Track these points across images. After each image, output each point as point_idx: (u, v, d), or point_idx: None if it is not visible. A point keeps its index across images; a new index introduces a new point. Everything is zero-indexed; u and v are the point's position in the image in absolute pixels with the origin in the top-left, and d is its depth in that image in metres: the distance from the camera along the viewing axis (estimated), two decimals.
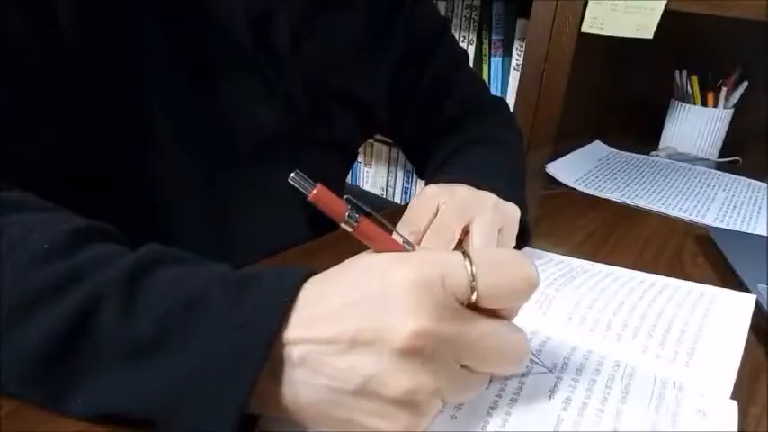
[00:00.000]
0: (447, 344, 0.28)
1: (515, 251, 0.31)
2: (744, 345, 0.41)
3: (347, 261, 0.31)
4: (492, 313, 0.30)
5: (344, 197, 0.32)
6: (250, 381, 0.27)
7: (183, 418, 0.28)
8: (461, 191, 0.47)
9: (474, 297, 0.28)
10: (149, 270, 0.30)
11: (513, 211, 0.48)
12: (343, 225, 0.31)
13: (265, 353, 0.27)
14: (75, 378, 0.29)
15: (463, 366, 0.29)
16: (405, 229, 0.45)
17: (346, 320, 0.28)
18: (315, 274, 0.31)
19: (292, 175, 0.30)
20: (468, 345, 0.29)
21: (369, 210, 0.32)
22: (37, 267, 0.30)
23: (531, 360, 0.36)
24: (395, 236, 0.33)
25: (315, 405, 0.28)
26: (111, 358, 0.29)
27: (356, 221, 0.31)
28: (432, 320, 0.27)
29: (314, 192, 0.30)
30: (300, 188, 0.30)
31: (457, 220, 0.44)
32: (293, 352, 0.28)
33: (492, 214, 0.45)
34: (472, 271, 0.28)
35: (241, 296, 0.29)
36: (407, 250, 0.32)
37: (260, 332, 0.28)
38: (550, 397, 0.35)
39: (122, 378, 0.29)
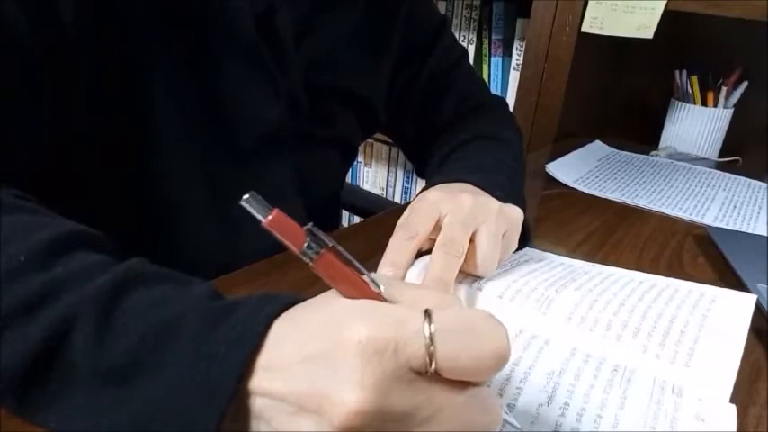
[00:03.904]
0: (398, 420, 0.25)
1: (487, 312, 0.27)
2: (743, 345, 0.40)
3: (323, 296, 0.30)
4: (461, 384, 0.26)
5: (306, 227, 0.28)
6: (218, 413, 0.26)
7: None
8: (465, 199, 0.46)
9: (433, 367, 0.25)
10: (127, 290, 0.29)
11: (516, 215, 0.48)
12: (302, 257, 0.28)
13: (235, 386, 0.26)
14: (47, 399, 0.28)
15: None
16: (405, 231, 0.45)
17: (298, 380, 0.26)
18: (297, 302, 0.29)
19: (246, 196, 0.27)
20: (425, 420, 0.25)
21: (332, 243, 0.28)
22: (12, 282, 0.29)
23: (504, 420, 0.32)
24: (365, 276, 0.29)
25: None
26: (83, 383, 0.28)
27: (316, 254, 0.28)
28: (378, 395, 0.24)
29: (270, 217, 0.27)
30: (255, 212, 0.27)
31: (464, 233, 0.44)
32: (255, 402, 0.27)
33: (496, 222, 0.45)
34: (431, 335, 0.25)
35: (215, 327, 0.28)
36: (374, 292, 0.29)
37: (230, 364, 0.26)
38: (549, 402, 0.35)
39: (94, 403, 0.28)
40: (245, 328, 0.27)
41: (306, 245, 0.28)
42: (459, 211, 0.45)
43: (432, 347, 0.25)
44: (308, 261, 0.28)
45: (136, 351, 0.27)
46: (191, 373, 0.27)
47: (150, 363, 0.27)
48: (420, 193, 0.50)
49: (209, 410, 0.26)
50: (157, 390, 0.27)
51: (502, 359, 0.26)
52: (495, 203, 0.47)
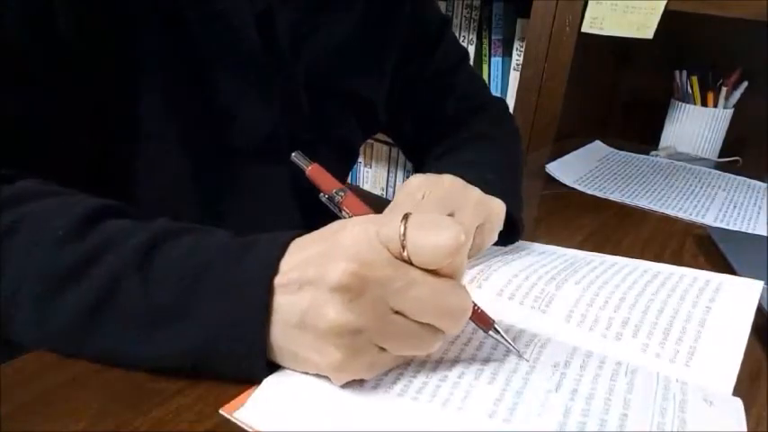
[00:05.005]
0: (377, 286, 0.31)
1: (450, 218, 0.34)
2: (747, 338, 0.40)
3: (326, 227, 0.35)
4: (434, 273, 0.32)
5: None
6: (262, 300, 0.32)
7: (218, 354, 0.33)
8: (447, 181, 0.47)
9: (405, 253, 0.32)
10: (158, 246, 0.34)
11: (497, 207, 0.48)
12: (335, 196, 0.40)
13: (270, 278, 0.32)
14: (105, 339, 0.34)
15: (398, 313, 0.32)
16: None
17: (303, 267, 0.32)
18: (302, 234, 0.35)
19: (294, 153, 0.40)
20: (399, 290, 0.31)
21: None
22: (60, 250, 0.34)
23: (506, 346, 0.38)
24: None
25: (275, 341, 0.33)
26: (135, 322, 0.33)
27: (343, 193, 0.39)
28: (362, 265, 0.31)
29: (310, 168, 0.40)
30: (301, 164, 0.40)
31: (437, 211, 0.44)
32: (280, 309, 0.33)
33: (473, 210, 0.45)
34: (405, 228, 0.31)
35: (240, 261, 0.34)
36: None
37: (262, 266, 0.33)
38: (557, 389, 0.35)
39: (148, 337, 0.33)
40: (271, 247, 0.34)
41: (335, 189, 0.39)
42: (438, 192, 0.46)
43: (403, 239, 0.31)
44: (338, 199, 0.39)
45: (178, 293, 0.33)
46: (226, 307, 0.32)
47: (192, 300, 0.33)
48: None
49: (251, 324, 0.32)
50: (207, 318, 0.33)
51: (458, 243, 0.31)
52: (475, 192, 0.47)
